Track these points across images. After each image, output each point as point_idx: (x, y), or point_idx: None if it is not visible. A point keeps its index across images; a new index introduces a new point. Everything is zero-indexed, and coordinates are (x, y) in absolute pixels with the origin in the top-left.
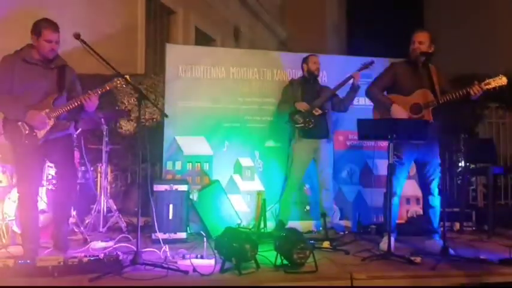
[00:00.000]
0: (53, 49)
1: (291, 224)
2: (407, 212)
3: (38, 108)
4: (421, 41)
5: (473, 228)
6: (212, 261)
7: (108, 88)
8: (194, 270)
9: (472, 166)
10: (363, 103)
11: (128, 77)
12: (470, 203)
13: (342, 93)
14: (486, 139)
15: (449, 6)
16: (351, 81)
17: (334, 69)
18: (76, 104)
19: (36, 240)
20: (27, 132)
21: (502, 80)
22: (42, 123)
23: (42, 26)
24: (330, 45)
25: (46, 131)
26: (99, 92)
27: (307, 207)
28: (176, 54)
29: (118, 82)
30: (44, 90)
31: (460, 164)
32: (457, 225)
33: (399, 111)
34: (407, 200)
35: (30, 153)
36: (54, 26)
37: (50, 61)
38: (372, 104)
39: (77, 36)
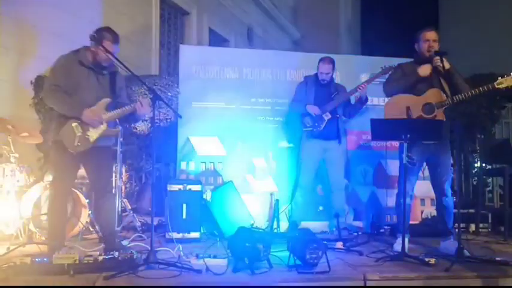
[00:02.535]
0: (108, 59)
1: (304, 224)
2: (421, 213)
3: (93, 111)
4: (435, 40)
5: (489, 229)
6: (225, 261)
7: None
8: (207, 269)
9: (488, 167)
10: (376, 102)
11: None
12: (486, 204)
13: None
14: (503, 140)
15: (465, 5)
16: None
17: (347, 69)
18: (129, 109)
19: (60, 238)
20: (80, 134)
21: None
22: (98, 122)
23: (105, 36)
24: (343, 45)
25: (98, 135)
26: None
27: (320, 208)
28: (189, 55)
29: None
30: (96, 94)
31: (476, 165)
32: (473, 227)
33: (425, 68)
34: (422, 201)
35: (74, 156)
36: (115, 39)
37: (104, 67)
38: (382, 103)
39: (93, 38)
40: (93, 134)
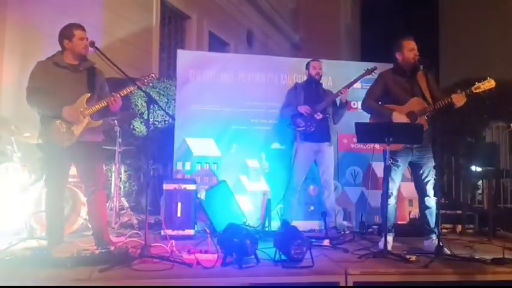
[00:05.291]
0: (86, 46)
1: (295, 223)
2: (409, 213)
3: (72, 108)
4: (416, 48)
5: (476, 230)
6: (215, 256)
7: (129, 91)
8: (198, 263)
9: (478, 169)
10: None
11: (144, 80)
12: (475, 206)
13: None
14: (490, 143)
15: (464, 12)
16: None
17: (339, 74)
18: (103, 104)
19: (59, 234)
20: (64, 130)
21: (491, 83)
22: (77, 119)
23: (73, 27)
24: (343, 49)
25: (82, 129)
26: (123, 94)
27: (312, 208)
28: (186, 60)
29: (141, 83)
30: (75, 92)
31: (465, 167)
32: (459, 227)
33: (400, 119)
34: (410, 202)
35: (64, 154)
36: (82, 26)
37: (79, 64)
38: None
39: (92, 44)
40: (78, 128)
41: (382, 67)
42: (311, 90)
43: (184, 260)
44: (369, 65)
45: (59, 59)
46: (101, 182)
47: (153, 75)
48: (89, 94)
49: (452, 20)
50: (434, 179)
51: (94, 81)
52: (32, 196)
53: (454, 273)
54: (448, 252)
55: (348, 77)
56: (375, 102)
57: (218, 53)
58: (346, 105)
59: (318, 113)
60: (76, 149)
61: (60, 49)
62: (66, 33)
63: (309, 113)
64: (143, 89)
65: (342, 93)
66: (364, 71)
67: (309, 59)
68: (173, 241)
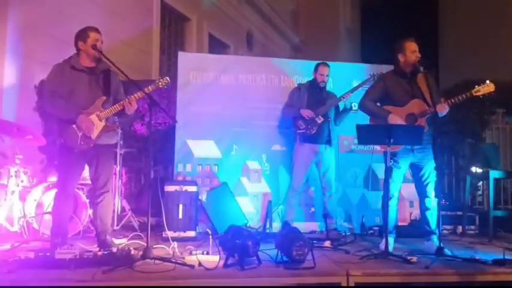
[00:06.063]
0: (98, 51)
1: (296, 224)
2: (410, 214)
3: (88, 112)
4: (418, 50)
5: (477, 231)
6: (217, 257)
7: (142, 95)
8: (200, 264)
9: (479, 171)
10: None
11: (158, 83)
12: (475, 207)
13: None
14: (490, 144)
15: (464, 13)
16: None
17: (340, 76)
18: (120, 107)
19: (63, 236)
20: (81, 134)
21: (490, 87)
22: (89, 127)
23: (88, 30)
24: (343, 51)
25: (99, 132)
26: (138, 98)
27: (312, 209)
28: (187, 62)
29: (159, 84)
30: (91, 95)
31: (465, 168)
32: (460, 228)
33: (396, 121)
34: (411, 203)
35: (78, 157)
36: (97, 29)
37: (96, 67)
38: None
39: (94, 47)
40: (95, 132)
41: (382, 69)
42: (315, 92)
43: (186, 261)
44: (373, 67)
45: (75, 62)
46: (111, 183)
47: (167, 78)
48: (105, 97)
49: (452, 21)
50: (435, 180)
51: (109, 83)
52: (34, 198)
53: (454, 274)
54: (449, 253)
55: (349, 79)
56: (372, 103)
57: (219, 55)
58: (350, 110)
59: (320, 117)
60: (91, 152)
61: (76, 51)
62: (81, 35)
63: (311, 117)
64: (151, 92)
65: (344, 98)
66: (370, 76)
67: (307, 61)
68: (175, 243)
